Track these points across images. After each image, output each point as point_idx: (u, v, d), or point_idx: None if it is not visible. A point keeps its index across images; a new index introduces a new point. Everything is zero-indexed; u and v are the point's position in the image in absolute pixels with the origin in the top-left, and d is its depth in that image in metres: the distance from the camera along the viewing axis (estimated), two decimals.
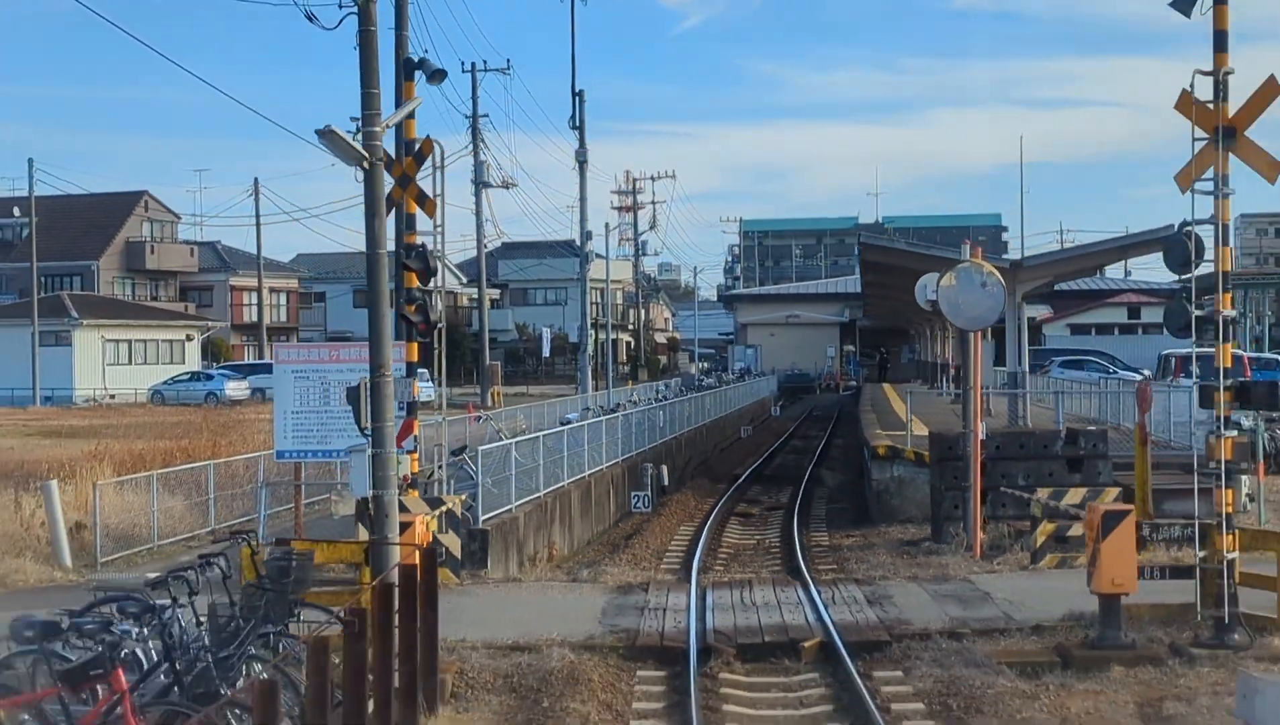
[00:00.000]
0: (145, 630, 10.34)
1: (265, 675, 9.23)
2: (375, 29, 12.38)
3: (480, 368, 63.85)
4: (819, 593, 17.31)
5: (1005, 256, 36.94)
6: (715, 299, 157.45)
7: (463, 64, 62.50)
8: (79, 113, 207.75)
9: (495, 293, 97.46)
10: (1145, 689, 13.05)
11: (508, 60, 66.71)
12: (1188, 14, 14.34)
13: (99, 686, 9.46)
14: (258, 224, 79.48)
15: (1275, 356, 57.33)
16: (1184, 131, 14.19)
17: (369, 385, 12.96)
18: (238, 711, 9.70)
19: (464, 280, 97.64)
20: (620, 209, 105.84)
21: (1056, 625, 15.23)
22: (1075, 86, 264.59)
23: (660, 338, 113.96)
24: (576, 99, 54.61)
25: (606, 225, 71.82)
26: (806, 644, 14.90)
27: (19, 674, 9.90)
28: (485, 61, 66.65)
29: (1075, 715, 12.33)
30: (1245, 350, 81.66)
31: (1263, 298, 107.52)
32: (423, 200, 17.90)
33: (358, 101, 12.64)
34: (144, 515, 21.21)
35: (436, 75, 18.02)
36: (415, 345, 18.02)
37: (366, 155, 12.43)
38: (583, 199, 56.12)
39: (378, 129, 12.47)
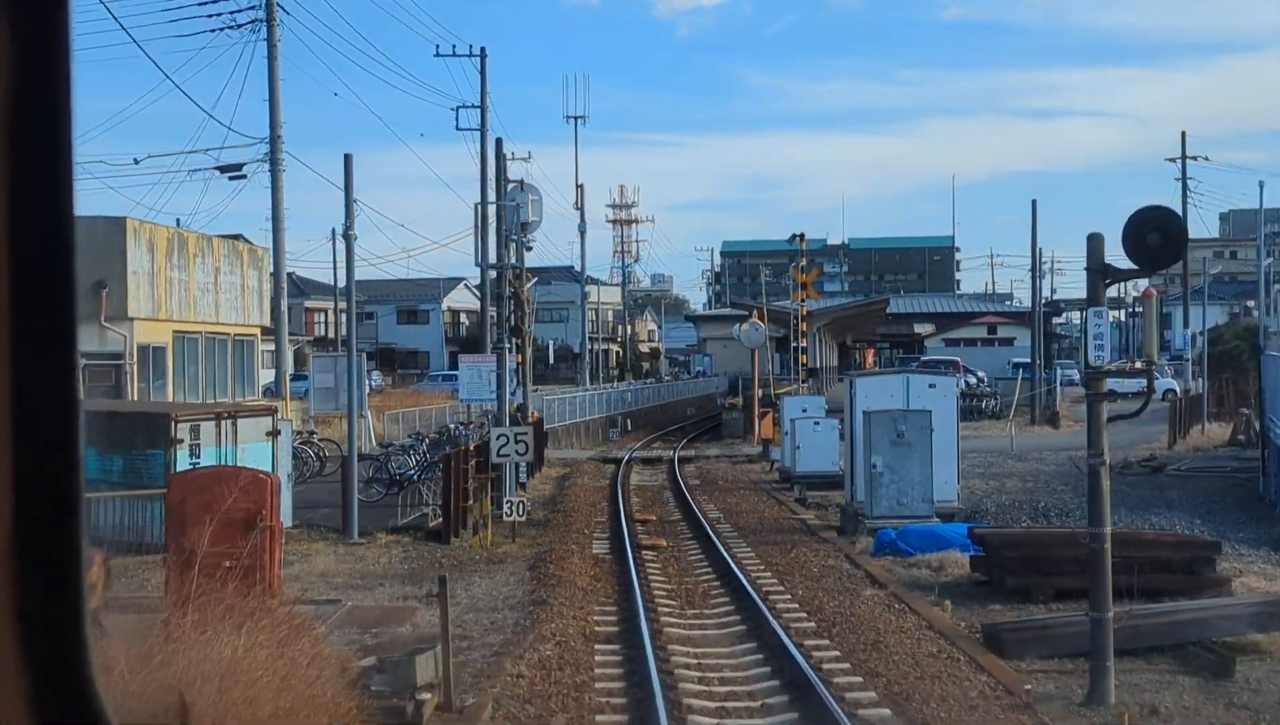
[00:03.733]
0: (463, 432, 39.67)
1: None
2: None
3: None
4: (678, 451, 46.70)
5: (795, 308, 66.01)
6: (701, 309, 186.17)
7: (486, 142, 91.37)
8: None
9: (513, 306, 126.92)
10: (764, 465, 42.37)
11: (529, 152, 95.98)
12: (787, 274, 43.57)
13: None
14: (334, 266, 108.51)
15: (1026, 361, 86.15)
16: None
17: (523, 368, 42.31)
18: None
19: None
20: (614, 222, 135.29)
21: (755, 455, 44.58)
22: (1066, 97, 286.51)
23: (645, 348, 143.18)
24: (579, 190, 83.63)
25: (598, 281, 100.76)
26: (663, 459, 44.40)
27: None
28: (513, 153, 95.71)
29: (738, 468, 41.70)
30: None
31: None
32: (519, 294, 47.20)
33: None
34: (387, 431, 50.30)
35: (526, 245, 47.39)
36: (520, 356, 47.29)
37: (524, 301, 41.88)
38: (583, 255, 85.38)
39: (524, 301, 41.79)
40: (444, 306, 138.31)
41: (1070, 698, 13.74)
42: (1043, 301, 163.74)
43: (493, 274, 43.11)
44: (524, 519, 25.98)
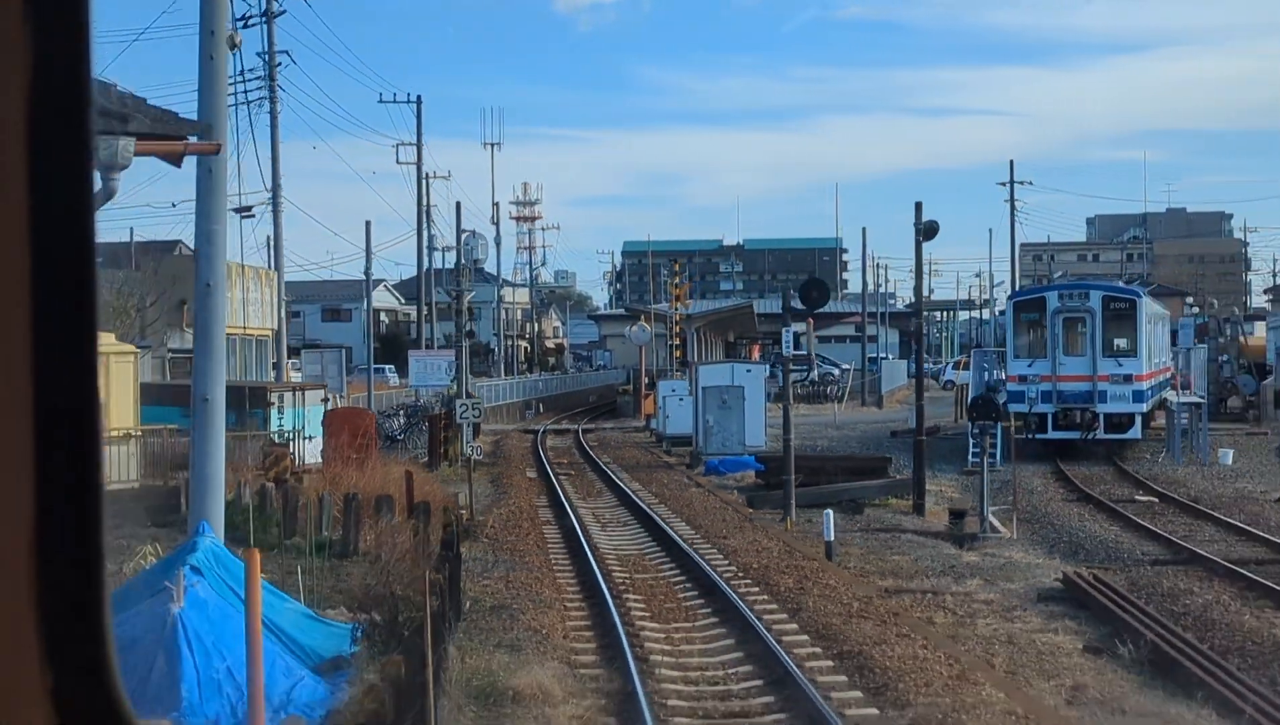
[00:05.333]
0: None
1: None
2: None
3: None
4: (581, 426, 61.32)
5: (687, 311, 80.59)
6: (601, 308, 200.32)
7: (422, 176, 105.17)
8: None
9: (425, 309, 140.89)
10: (647, 434, 57.15)
11: (449, 171, 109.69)
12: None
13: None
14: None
15: (883, 356, 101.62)
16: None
17: (464, 360, 56.83)
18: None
19: (402, 300, 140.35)
20: (516, 219, 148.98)
21: (640, 427, 59.32)
22: (959, 96, 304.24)
23: (550, 343, 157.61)
24: (494, 206, 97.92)
25: (510, 282, 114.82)
26: (570, 430, 59.03)
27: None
28: (435, 171, 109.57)
29: (627, 435, 56.41)
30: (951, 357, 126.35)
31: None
32: (470, 308, 61.54)
33: None
34: None
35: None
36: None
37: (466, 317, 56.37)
38: (499, 264, 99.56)
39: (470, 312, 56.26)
40: (365, 305, 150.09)
41: (774, 519, 28.50)
42: (907, 303, 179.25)
43: (455, 277, 56.91)
44: (480, 458, 40.36)
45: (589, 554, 23.32)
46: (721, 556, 23.34)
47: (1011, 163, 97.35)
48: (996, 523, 27.17)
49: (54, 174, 1.76)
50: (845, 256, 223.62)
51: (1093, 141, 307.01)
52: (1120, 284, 49.03)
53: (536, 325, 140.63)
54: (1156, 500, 31.30)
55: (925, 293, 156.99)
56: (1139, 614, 17.56)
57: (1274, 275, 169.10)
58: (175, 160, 9.38)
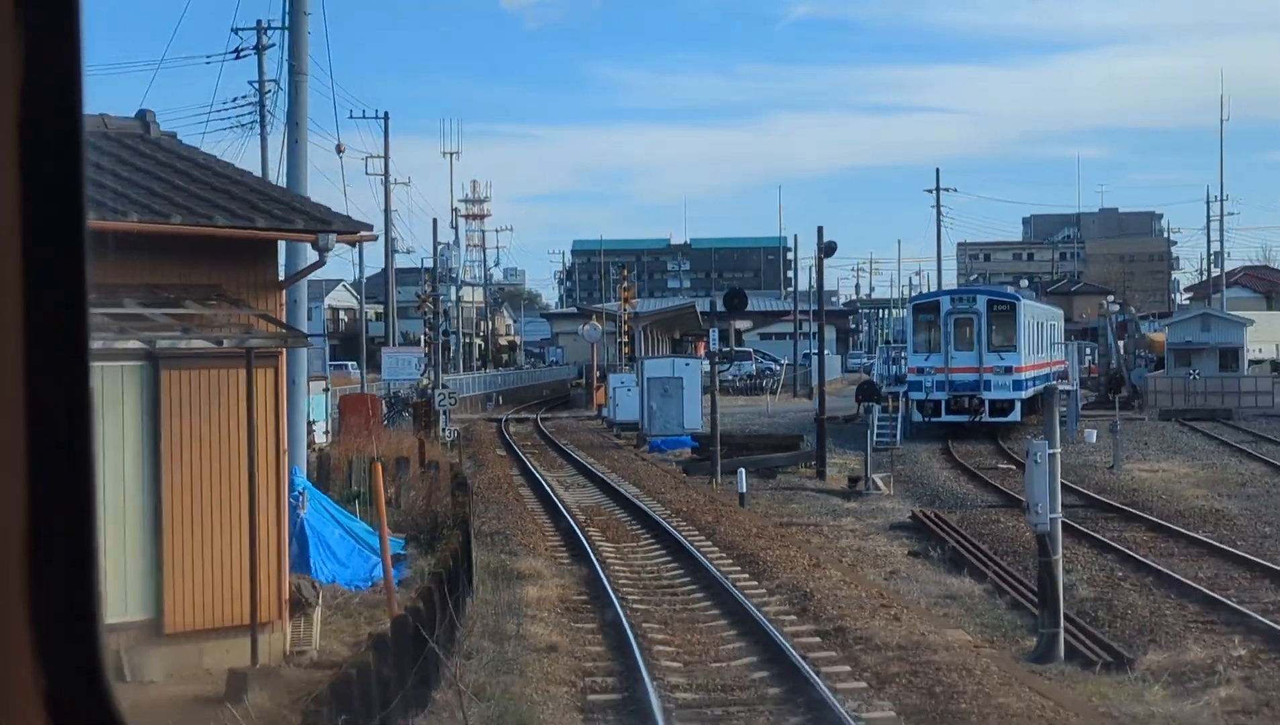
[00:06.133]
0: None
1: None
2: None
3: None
4: (539, 416, 68.56)
5: (635, 310, 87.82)
6: (552, 306, 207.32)
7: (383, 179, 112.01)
8: None
9: (382, 307, 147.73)
10: (599, 422, 64.44)
11: (409, 177, 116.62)
12: None
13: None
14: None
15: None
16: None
17: (437, 355, 63.97)
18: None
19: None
20: (466, 216, 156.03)
21: (593, 416, 66.60)
22: (906, 93, 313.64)
23: (504, 341, 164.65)
24: (453, 211, 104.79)
25: (467, 282, 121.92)
26: (529, 419, 66.27)
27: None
28: (396, 178, 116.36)
29: (581, 423, 63.72)
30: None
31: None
32: (444, 310, 68.64)
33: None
34: None
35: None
36: (429, 347, 68.68)
37: (436, 317, 63.47)
38: (460, 266, 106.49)
39: (441, 314, 63.28)
40: (325, 304, 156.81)
41: (704, 482, 35.85)
42: (846, 301, 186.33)
43: (423, 280, 63.88)
44: (456, 438, 47.55)
45: (558, 503, 30.61)
46: (660, 505, 30.64)
47: (938, 171, 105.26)
48: (879, 482, 34.58)
49: (47, 174, 1.77)
50: (790, 255, 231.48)
51: (1037, 139, 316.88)
52: (1008, 289, 56.64)
53: (490, 323, 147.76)
54: (1014, 468, 38.83)
55: (866, 291, 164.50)
56: (953, 533, 25.00)
57: (1200, 273, 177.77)
58: (352, 243, 16.34)
